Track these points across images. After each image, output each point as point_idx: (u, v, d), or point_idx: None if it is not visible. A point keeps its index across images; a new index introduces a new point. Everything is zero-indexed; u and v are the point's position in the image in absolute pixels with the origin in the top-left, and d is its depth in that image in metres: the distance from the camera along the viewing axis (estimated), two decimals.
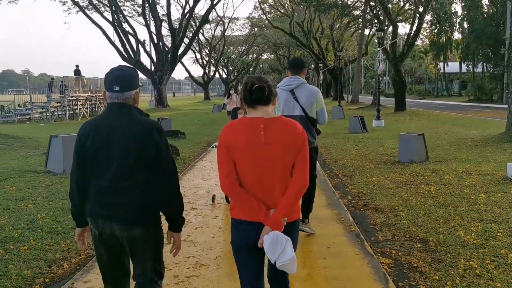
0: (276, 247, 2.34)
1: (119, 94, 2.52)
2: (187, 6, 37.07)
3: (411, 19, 27.17)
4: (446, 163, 9.58)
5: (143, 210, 2.53)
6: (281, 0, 53.50)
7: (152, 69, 36.13)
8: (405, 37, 32.64)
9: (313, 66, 72.02)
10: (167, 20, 34.24)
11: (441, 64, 59.21)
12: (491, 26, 40.99)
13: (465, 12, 47.67)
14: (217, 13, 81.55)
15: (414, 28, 26.09)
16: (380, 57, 19.70)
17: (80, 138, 2.56)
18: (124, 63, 29.62)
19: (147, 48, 39.56)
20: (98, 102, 30.28)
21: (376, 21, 34.09)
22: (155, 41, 35.21)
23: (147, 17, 35.87)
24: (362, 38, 40.33)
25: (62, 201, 6.69)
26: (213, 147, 12.97)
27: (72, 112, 27.81)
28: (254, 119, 2.49)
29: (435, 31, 51.35)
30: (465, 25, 50.75)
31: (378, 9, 29.99)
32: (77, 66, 30.65)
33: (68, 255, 4.68)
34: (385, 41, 29.42)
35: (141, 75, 43.68)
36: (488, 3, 44.96)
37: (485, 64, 48.39)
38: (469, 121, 19.61)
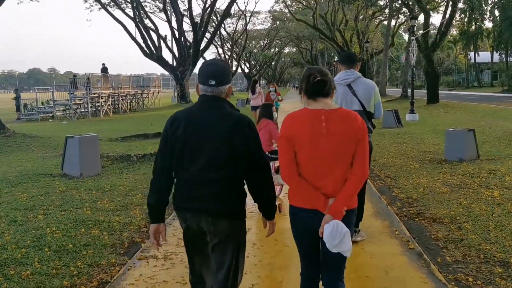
0: (335, 237, 2.40)
1: (214, 88, 2.55)
2: (208, 0, 36.40)
3: (442, 7, 25.79)
4: (501, 162, 8.56)
5: (231, 203, 2.55)
6: None
7: (174, 65, 35.51)
8: (435, 26, 31.23)
9: (336, 58, 70.65)
10: (188, 15, 33.46)
11: (471, 54, 57.11)
12: None
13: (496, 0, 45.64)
14: (238, 7, 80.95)
15: (447, 16, 24.78)
16: (413, 46, 18.56)
17: (172, 126, 2.54)
18: (145, 59, 29.05)
19: (169, 43, 38.95)
20: (120, 98, 29.83)
21: (404, 9, 32.73)
22: (177, 36, 34.55)
23: (168, 12, 35.23)
24: (388, 29, 38.93)
25: (76, 210, 6.01)
26: None
27: (95, 109, 27.45)
28: (316, 111, 2.54)
29: (465, 19, 49.36)
30: (496, 13, 48.71)
31: None
32: (103, 64, 30.39)
33: (77, 282, 3.94)
34: (415, 31, 28.10)
35: (163, 71, 43.36)
36: None
37: None
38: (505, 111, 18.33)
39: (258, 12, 73.45)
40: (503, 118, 16.79)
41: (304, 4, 52.41)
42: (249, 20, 60.19)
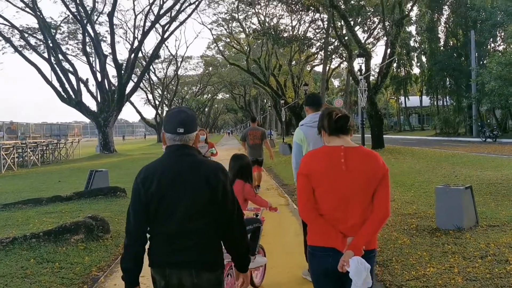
0: (362, 271, 2.35)
1: (182, 136, 2.50)
2: (135, 41, 33.85)
3: (384, 48, 25.00)
4: (509, 228, 6.44)
5: (213, 253, 2.48)
6: (236, 36, 51.38)
7: (97, 111, 32.11)
8: (373, 69, 30.52)
9: (268, 104, 69.95)
10: (111, 56, 30.57)
11: (402, 98, 58.35)
12: (454, 57, 39.94)
13: (423, 46, 46.87)
14: (169, 51, 78.90)
15: (387, 57, 23.90)
16: (362, 87, 16.98)
17: (144, 183, 2.43)
18: (63, 104, 25.59)
19: (94, 88, 35.63)
20: (29, 150, 25.77)
21: (344, 50, 32.03)
22: (99, 79, 31.39)
23: (89, 53, 32.19)
24: (324, 73, 38.15)
25: None
26: None
27: None
28: (335, 148, 2.57)
29: (395, 65, 50.31)
30: (423, 59, 50.13)
31: (345, 39, 27.83)
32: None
33: None
34: (356, 73, 27.10)
35: (84, 118, 39.56)
36: (445, 35, 44.33)
37: (447, 97, 47.46)
38: (468, 159, 16.89)
39: (190, 57, 71.60)
40: (462, 165, 15.23)
41: (237, 48, 51.33)
42: (180, 65, 58.08)
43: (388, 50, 24.04)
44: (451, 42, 43.46)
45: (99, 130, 31.75)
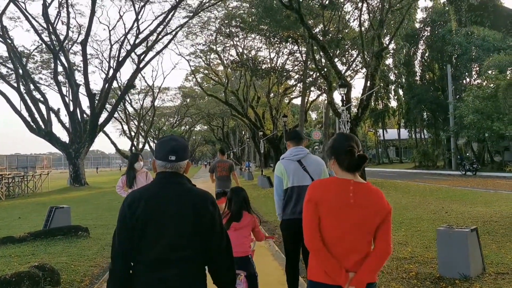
0: None
1: (174, 164, 2.50)
2: (111, 71, 32.94)
3: (364, 80, 24.73)
4: None
5: (198, 284, 2.44)
6: (214, 68, 51.05)
7: (68, 142, 30.76)
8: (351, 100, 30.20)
9: (247, 135, 69.34)
10: (84, 85, 29.51)
11: (380, 131, 58.46)
12: (431, 91, 40.17)
13: (400, 80, 47.26)
14: (146, 82, 77.78)
15: (367, 89, 23.57)
16: (345, 118, 16.35)
17: (130, 207, 2.40)
18: (32, 135, 24.20)
19: (66, 118, 34.32)
20: None
21: (323, 82, 31.74)
22: (71, 109, 30.21)
23: (60, 82, 31.10)
24: (303, 104, 37.80)
25: None
26: None
27: None
28: (345, 180, 2.56)
29: (373, 98, 50.49)
30: (401, 92, 50.49)
31: (324, 70, 27.55)
32: None
33: None
34: (335, 105, 26.69)
35: (54, 149, 37.99)
36: (421, 69, 44.81)
37: (424, 130, 47.61)
38: (454, 194, 16.29)
39: (167, 88, 70.83)
40: (449, 200, 14.58)
41: (216, 80, 50.91)
42: (157, 96, 57.24)
43: (368, 83, 23.70)
44: (427, 76, 43.88)
45: (69, 162, 30.34)
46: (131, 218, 2.35)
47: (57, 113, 31.48)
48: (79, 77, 34.72)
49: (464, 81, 40.53)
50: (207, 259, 2.44)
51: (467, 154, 36.83)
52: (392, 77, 49.61)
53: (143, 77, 77.57)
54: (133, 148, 56.72)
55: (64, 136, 32.24)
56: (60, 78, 33.98)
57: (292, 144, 4.82)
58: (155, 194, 2.41)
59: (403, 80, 46.07)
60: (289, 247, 4.65)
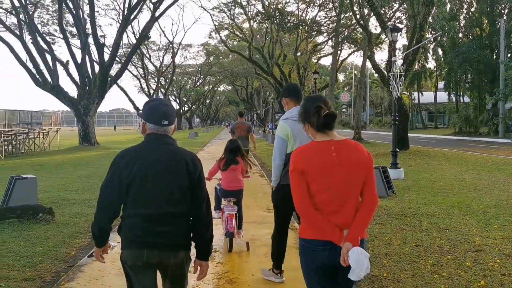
0: (363, 260, 2.36)
1: (165, 128, 2.64)
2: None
3: (411, 31, 21.28)
4: None
5: (188, 236, 2.65)
6: (238, 23, 47.52)
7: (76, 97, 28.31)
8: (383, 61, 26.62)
9: (271, 96, 66.13)
10: (91, 33, 26.65)
11: (415, 94, 54.42)
12: (478, 49, 35.85)
13: (439, 38, 42.86)
14: (165, 36, 74.37)
15: (414, 42, 20.18)
16: (397, 70, 13.23)
17: (128, 164, 2.52)
18: (37, 88, 21.68)
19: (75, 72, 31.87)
20: None
21: (359, 34, 28.14)
22: (79, 61, 27.54)
23: (67, 30, 28.39)
24: (334, 62, 34.26)
25: None
26: (112, 248, 5.54)
27: None
28: (324, 142, 2.54)
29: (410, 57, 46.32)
30: (440, 52, 46.15)
31: (364, 19, 24.04)
32: None
33: None
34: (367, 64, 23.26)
35: (61, 106, 35.77)
36: (467, 25, 40.36)
37: (464, 94, 43.50)
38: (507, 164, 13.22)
39: (190, 45, 67.60)
40: (508, 174, 11.53)
41: (240, 36, 47.47)
42: (177, 51, 54.19)
43: (416, 35, 20.22)
44: (474, 32, 39.47)
45: (78, 120, 27.96)
46: (127, 176, 2.48)
47: (65, 66, 28.91)
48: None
49: None
50: (192, 214, 2.62)
51: None
52: (429, 35, 45.27)
53: (163, 32, 74.15)
54: None
55: (73, 92, 29.76)
56: (71, 29, 31.34)
57: (292, 102, 4.53)
58: (150, 152, 2.55)
59: (444, 38, 41.67)
60: (282, 213, 4.51)
